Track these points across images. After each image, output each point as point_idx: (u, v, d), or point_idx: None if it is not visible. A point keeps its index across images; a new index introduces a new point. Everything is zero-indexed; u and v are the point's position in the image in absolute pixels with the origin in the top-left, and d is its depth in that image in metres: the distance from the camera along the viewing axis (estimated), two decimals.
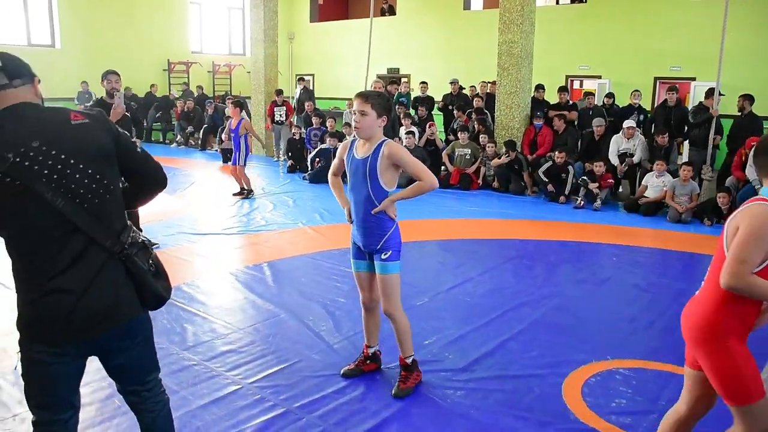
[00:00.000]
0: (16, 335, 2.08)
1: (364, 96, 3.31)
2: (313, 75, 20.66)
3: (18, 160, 1.89)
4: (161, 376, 2.44)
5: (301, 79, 15.91)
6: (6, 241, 2.02)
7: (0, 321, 4.41)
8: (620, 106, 11.17)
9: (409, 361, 3.60)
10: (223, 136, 12.87)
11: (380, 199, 3.34)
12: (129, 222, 2.19)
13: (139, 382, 2.30)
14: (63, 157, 1.95)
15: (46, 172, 1.92)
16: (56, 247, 1.99)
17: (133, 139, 6.26)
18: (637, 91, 11.06)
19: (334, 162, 3.60)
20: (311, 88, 18.29)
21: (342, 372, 3.77)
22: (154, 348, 2.33)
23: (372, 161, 3.31)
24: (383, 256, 3.42)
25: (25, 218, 1.95)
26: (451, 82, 13.07)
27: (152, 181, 2.28)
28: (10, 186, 1.90)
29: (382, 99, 3.34)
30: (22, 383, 2.13)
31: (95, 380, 3.56)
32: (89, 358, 2.23)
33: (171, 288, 2.30)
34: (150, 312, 2.29)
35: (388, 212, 3.37)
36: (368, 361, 3.80)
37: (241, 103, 10.05)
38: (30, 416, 2.04)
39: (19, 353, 2.10)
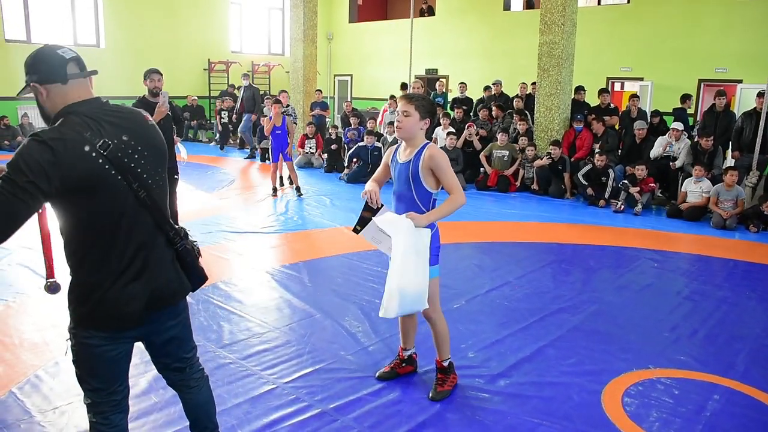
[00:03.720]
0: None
1: (408, 97, 3.33)
2: (351, 75, 20.73)
3: (115, 149, 2.03)
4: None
5: (245, 76, 14.87)
6: (82, 228, 2.05)
7: (38, 316, 4.46)
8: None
9: (446, 364, 3.58)
10: (266, 131, 12.04)
11: (425, 201, 3.30)
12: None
13: (181, 358, 2.45)
14: (146, 153, 2.13)
15: (132, 165, 2.07)
16: (124, 235, 2.09)
17: (175, 138, 6.41)
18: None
19: (378, 169, 3.57)
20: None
21: (377, 374, 3.75)
22: (191, 326, 2.49)
23: (414, 164, 3.28)
24: None
25: (110, 204, 2.04)
26: (494, 83, 12.97)
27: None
28: (107, 172, 2.00)
29: (426, 102, 3.33)
30: (63, 374, 2.15)
31: (132, 376, 3.59)
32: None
33: None
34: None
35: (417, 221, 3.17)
36: (404, 364, 3.77)
37: (279, 100, 10.10)
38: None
39: (70, 340, 2.16)
